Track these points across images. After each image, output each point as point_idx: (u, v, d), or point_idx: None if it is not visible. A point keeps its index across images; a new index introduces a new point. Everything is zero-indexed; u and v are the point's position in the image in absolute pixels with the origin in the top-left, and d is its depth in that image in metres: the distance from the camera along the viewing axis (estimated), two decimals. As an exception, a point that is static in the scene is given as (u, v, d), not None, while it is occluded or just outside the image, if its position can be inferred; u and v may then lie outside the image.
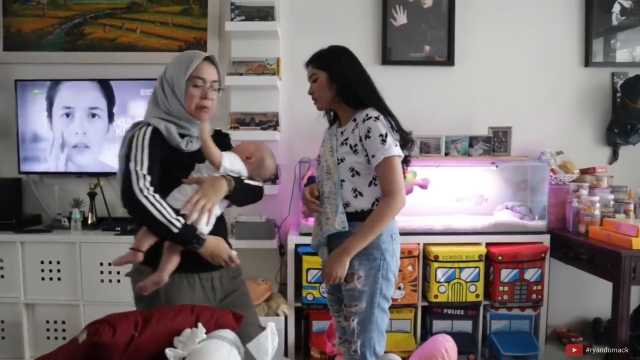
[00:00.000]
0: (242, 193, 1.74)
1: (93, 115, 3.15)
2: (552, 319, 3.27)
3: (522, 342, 2.92)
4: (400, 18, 3.30)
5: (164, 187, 1.63)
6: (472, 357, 2.86)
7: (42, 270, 2.94)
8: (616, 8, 3.36)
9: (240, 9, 3.02)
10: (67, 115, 3.15)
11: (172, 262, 1.59)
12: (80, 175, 3.21)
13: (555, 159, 3.17)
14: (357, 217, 1.89)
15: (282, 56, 3.21)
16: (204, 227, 1.63)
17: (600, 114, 3.39)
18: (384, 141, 1.84)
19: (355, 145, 1.90)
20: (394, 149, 1.85)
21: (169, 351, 1.15)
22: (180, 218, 1.55)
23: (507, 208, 3.16)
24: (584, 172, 3.15)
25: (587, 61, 3.36)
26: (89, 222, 3.15)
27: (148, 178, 1.56)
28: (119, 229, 3.00)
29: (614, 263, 2.52)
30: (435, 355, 2.52)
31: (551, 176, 3.07)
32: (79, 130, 3.15)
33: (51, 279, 2.94)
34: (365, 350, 1.92)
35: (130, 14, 3.28)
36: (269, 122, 3.08)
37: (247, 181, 1.79)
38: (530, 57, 3.35)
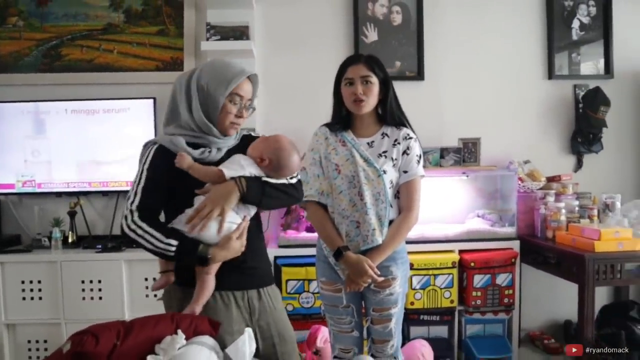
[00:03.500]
0: (259, 192, 1.58)
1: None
2: (525, 322, 3.38)
3: (496, 345, 3.01)
4: (372, 35, 3.42)
5: (182, 204, 1.56)
6: (448, 361, 2.94)
7: (23, 290, 2.94)
8: (575, 24, 3.53)
9: (216, 29, 3.11)
10: (45, 137, 3.18)
11: (206, 289, 1.52)
12: (59, 194, 3.23)
13: (523, 167, 3.30)
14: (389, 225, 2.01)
15: (257, 74, 3.29)
16: (214, 235, 1.51)
17: (564, 124, 3.54)
18: (418, 162, 2.04)
19: (396, 159, 2.02)
20: (422, 170, 2.05)
21: (150, 358, 1.21)
22: (171, 241, 1.48)
23: (478, 216, 3.28)
24: (550, 180, 3.28)
25: (551, 74, 3.51)
26: (70, 240, 3.16)
27: (135, 208, 1.52)
28: (100, 246, 3.02)
29: (578, 266, 2.64)
30: (412, 360, 2.61)
31: (519, 184, 3.19)
32: (57, 151, 3.19)
33: (32, 298, 2.95)
34: (399, 344, 2.11)
35: (107, 35, 3.34)
36: (246, 138, 3.16)
37: (267, 179, 1.63)
38: (496, 71, 3.49)
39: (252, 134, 1.79)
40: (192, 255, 1.49)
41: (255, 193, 1.57)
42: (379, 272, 1.95)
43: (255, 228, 1.68)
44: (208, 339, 1.30)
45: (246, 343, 1.33)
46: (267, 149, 1.62)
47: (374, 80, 2.01)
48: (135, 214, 1.51)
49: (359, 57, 2.09)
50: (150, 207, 1.55)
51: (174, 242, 1.48)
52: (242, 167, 1.58)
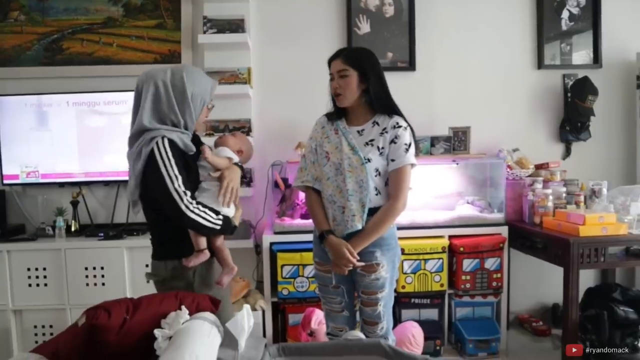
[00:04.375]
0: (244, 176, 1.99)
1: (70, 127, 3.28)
2: (514, 305, 3.50)
3: (485, 327, 3.12)
4: (364, 27, 3.51)
5: (191, 187, 1.81)
6: (438, 342, 3.04)
7: (29, 277, 3.05)
8: (565, 14, 3.62)
9: (212, 22, 3.19)
10: (48, 128, 3.27)
11: (227, 252, 1.92)
12: (62, 185, 3.33)
13: (512, 155, 3.40)
14: (375, 212, 2.08)
15: (252, 66, 3.39)
16: (231, 209, 1.87)
17: (553, 113, 3.64)
18: (407, 150, 2.08)
19: (383, 148, 2.08)
20: (412, 158, 2.09)
21: (157, 331, 1.31)
22: (220, 217, 1.79)
23: (467, 202, 3.38)
24: (538, 167, 3.38)
25: (540, 64, 3.60)
26: (73, 229, 3.26)
27: (188, 193, 1.73)
28: (102, 234, 3.12)
29: (563, 250, 2.74)
30: (403, 341, 2.72)
31: (508, 172, 3.30)
32: (59, 142, 3.28)
33: (38, 285, 3.05)
34: (389, 326, 2.19)
35: (106, 29, 3.42)
36: (242, 128, 3.26)
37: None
38: (486, 61, 3.58)
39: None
40: (230, 226, 1.84)
41: (244, 177, 1.93)
42: (358, 257, 2.04)
43: None
44: (209, 315, 1.41)
45: (245, 318, 1.44)
46: (243, 143, 2.07)
47: (351, 73, 2.08)
48: (190, 198, 1.73)
49: (339, 53, 2.16)
50: (188, 191, 1.75)
51: (222, 217, 1.80)
52: (233, 155, 1.97)
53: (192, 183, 1.80)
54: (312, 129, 2.28)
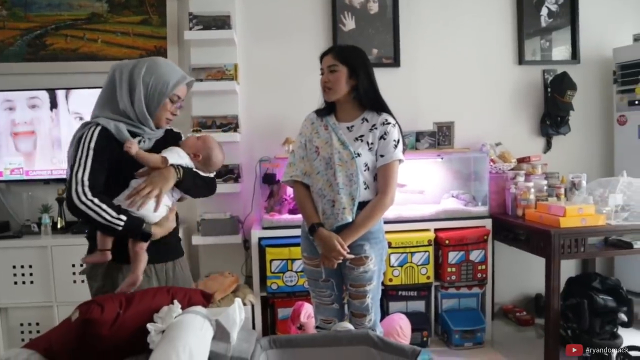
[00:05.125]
0: (191, 182, 1.81)
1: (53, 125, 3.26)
2: (499, 296, 3.58)
3: (470, 318, 3.18)
4: (349, 23, 3.53)
5: (117, 186, 1.70)
6: (425, 333, 3.10)
7: (14, 275, 3.03)
8: (544, 11, 3.69)
9: (198, 19, 3.19)
10: (30, 126, 3.25)
11: (141, 261, 1.70)
12: (47, 182, 3.31)
13: (495, 149, 3.46)
14: (364, 206, 2.12)
15: (239, 62, 3.39)
16: (151, 214, 1.70)
17: (534, 108, 3.71)
18: (395, 146, 2.12)
19: (372, 144, 2.12)
20: (400, 155, 2.14)
21: (150, 325, 1.32)
22: (121, 216, 1.62)
23: (452, 196, 3.43)
24: (520, 161, 3.45)
25: (521, 60, 3.67)
26: (59, 226, 3.25)
27: (87, 183, 1.61)
28: (88, 231, 3.10)
29: (545, 241, 2.81)
30: (391, 333, 2.77)
31: (491, 165, 3.36)
32: (44, 139, 3.26)
33: (24, 282, 3.04)
34: (377, 318, 2.23)
35: (91, 25, 3.40)
36: (230, 124, 3.27)
37: (196, 171, 1.87)
38: (469, 58, 3.64)
39: (174, 129, 1.99)
40: (137, 230, 1.67)
41: (188, 181, 1.80)
42: (348, 250, 2.08)
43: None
44: (201, 309, 1.42)
45: (236, 311, 1.46)
46: (202, 147, 1.88)
47: (340, 68, 2.13)
48: (87, 189, 1.61)
49: (331, 49, 2.23)
50: (98, 184, 1.65)
51: (124, 218, 1.63)
52: (181, 157, 1.82)
53: (121, 182, 1.71)
54: (302, 124, 2.31)
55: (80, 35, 3.40)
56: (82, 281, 2.98)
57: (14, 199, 3.40)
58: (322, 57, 2.22)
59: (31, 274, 3.04)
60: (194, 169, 1.86)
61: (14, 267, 3.03)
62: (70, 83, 3.30)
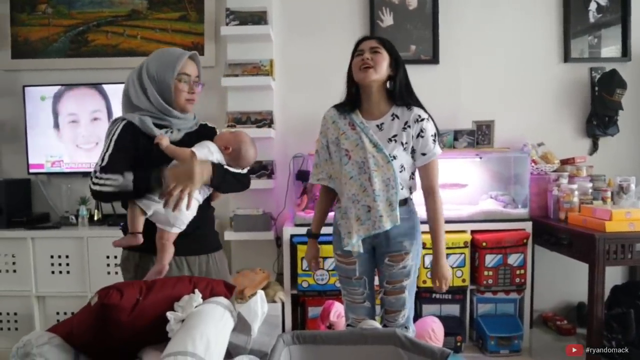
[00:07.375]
0: (222, 178, 1.79)
1: (95, 119, 3.35)
2: (539, 303, 3.42)
3: (507, 324, 3.06)
4: (387, 19, 3.47)
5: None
6: (459, 338, 3.00)
7: (52, 265, 3.12)
8: (592, 6, 3.52)
9: (235, 14, 3.20)
10: (73, 119, 3.33)
11: (167, 252, 1.71)
12: (86, 174, 3.37)
13: (537, 150, 3.33)
14: (400, 204, 2.07)
15: (275, 58, 3.38)
16: (184, 212, 1.69)
17: (579, 107, 3.55)
18: (434, 141, 2.06)
19: (407, 143, 2.05)
20: (439, 149, 2.09)
21: (169, 314, 1.30)
22: (127, 175, 1.63)
23: (491, 197, 3.31)
24: (564, 162, 3.31)
25: (566, 57, 3.52)
26: (96, 218, 3.32)
27: (99, 169, 1.64)
28: (123, 224, 3.14)
29: (589, 246, 2.66)
30: (423, 335, 2.69)
31: (533, 166, 3.23)
32: (83, 132, 3.33)
33: (60, 272, 3.12)
34: (410, 314, 2.19)
35: (131, 21, 3.47)
36: (264, 120, 3.25)
37: (229, 168, 1.85)
38: (511, 54, 3.51)
39: (208, 124, 1.99)
40: (148, 180, 1.66)
41: (219, 178, 1.78)
42: (320, 269, 2.14)
43: (206, 201, 1.87)
44: (223, 300, 1.39)
45: (258, 303, 1.43)
46: (233, 140, 1.86)
47: (384, 52, 2.04)
48: (99, 173, 1.64)
49: (372, 36, 2.19)
50: (115, 168, 1.66)
51: (130, 176, 1.64)
52: (211, 152, 1.80)
53: (151, 165, 1.70)
54: (321, 123, 2.22)
55: (120, 32, 3.46)
56: (116, 272, 3.07)
57: (54, 191, 3.49)
58: (361, 41, 2.12)
59: (68, 264, 3.12)
60: (225, 166, 1.85)
61: (52, 256, 3.11)
62: (110, 78, 3.36)
